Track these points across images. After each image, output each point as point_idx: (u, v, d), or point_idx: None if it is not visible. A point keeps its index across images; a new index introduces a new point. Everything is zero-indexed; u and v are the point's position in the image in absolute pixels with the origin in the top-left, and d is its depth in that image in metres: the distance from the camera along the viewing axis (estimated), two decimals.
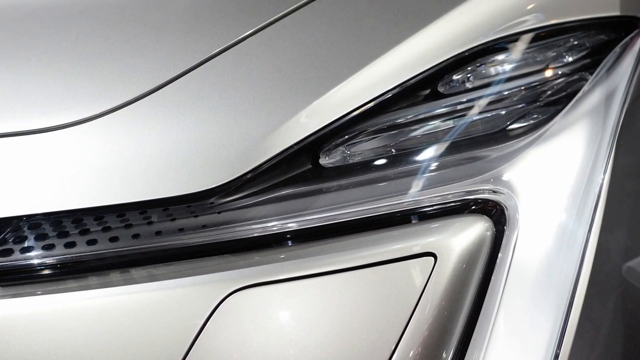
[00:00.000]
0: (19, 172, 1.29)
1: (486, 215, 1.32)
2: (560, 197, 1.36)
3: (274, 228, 1.32)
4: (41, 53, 1.45)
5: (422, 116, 1.39)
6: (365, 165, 1.37)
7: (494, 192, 1.34)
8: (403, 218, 1.33)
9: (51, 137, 1.30)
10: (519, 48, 1.45)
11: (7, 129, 1.32)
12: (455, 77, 1.41)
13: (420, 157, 1.37)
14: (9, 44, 1.49)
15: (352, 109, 1.34)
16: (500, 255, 1.31)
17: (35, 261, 1.29)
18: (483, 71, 1.42)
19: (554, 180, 1.37)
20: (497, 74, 1.43)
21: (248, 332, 1.25)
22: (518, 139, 1.38)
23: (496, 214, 1.33)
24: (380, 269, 1.28)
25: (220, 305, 1.25)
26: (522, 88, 1.44)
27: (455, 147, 1.38)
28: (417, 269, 1.28)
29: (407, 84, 1.36)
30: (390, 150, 1.38)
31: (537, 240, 1.33)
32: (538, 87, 1.45)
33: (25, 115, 1.33)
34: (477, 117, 1.41)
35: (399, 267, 1.28)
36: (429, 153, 1.38)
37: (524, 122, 1.41)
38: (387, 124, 1.38)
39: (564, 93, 1.45)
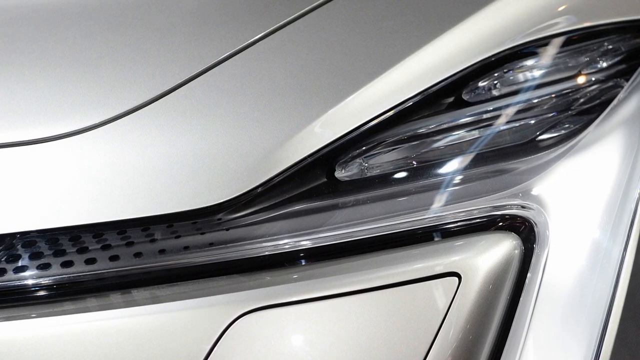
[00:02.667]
0: (12, 186, 1.24)
1: (514, 233, 1.28)
2: (594, 213, 1.32)
3: (286, 246, 1.27)
4: (36, 58, 1.40)
5: (445, 126, 1.34)
6: (384, 179, 1.32)
7: (523, 207, 1.30)
8: (425, 235, 1.29)
9: (46, 148, 1.26)
10: (549, 53, 1.40)
11: None
12: (480, 84, 1.36)
13: (443, 169, 1.33)
14: (1, 49, 1.44)
15: (370, 118, 1.30)
16: (529, 275, 1.27)
17: (30, 281, 1.25)
18: (511, 77, 1.38)
19: (587, 195, 1.33)
20: (525, 81, 1.38)
21: (258, 358, 1.21)
22: (548, 151, 1.34)
23: (525, 231, 1.29)
24: (400, 290, 1.24)
25: (229, 330, 1.21)
26: (553, 96, 1.39)
27: (480, 159, 1.34)
28: (440, 290, 1.24)
29: (429, 91, 1.32)
30: (411, 163, 1.33)
31: (569, 259, 1.29)
32: (570, 94, 1.40)
33: (19, 125, 1.29)
34: (505, 127, 1.36)
35: (420, 288, 1.24)
36: (453, 165, 1.33)
37: (554, 132, 1.37)
38: (407, 134, 1.33)
39: (597, 101, 1.41)
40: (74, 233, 1.24)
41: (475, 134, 1.35)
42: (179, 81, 1.31)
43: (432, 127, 1.34)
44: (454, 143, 1.35)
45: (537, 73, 1.39)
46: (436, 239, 1.29)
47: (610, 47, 1.45)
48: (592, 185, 1.34)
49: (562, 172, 1.33)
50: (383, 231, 1.29)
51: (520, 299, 1.27)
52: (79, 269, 1.25)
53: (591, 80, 1.42)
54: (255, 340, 1.21)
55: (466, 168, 1.33)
